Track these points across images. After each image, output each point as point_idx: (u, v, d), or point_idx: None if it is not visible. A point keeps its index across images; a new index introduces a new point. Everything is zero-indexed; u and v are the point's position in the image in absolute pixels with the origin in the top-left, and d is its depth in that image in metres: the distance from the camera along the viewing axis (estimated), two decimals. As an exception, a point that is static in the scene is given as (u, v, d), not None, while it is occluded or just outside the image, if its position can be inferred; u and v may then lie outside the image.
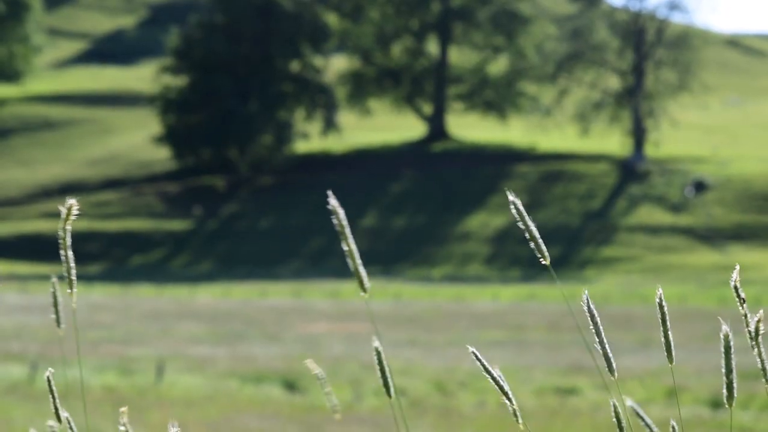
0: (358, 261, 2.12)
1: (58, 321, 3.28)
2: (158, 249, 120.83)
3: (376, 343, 3.35)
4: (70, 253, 2.23)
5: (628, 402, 2.72)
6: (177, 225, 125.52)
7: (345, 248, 2.13)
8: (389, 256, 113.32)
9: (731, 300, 76.83)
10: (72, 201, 2.15)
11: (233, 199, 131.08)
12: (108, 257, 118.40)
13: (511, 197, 2.37)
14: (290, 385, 29.35)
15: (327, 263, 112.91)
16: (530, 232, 2.47)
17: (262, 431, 21.75)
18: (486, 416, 25.57)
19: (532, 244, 2.46)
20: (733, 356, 2.58)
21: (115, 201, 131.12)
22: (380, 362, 3.37)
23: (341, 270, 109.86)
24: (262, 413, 24.34)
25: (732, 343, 2.54)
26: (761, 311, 2.45)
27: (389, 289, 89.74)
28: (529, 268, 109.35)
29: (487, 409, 26.95)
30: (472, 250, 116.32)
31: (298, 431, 21.90)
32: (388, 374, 3.36)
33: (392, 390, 3.21)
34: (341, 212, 2.12)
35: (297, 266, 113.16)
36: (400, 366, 33.46)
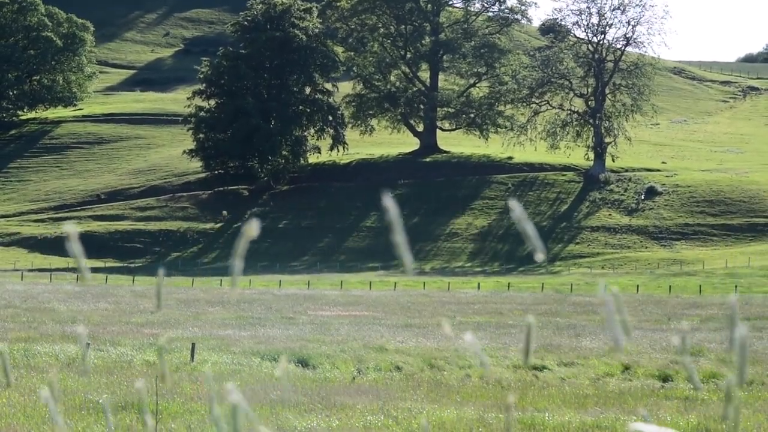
0: (406, 248, 2.07)
1: (159, 304, 3.27)
2: (192, 246, 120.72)
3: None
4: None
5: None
6: (207, 226, 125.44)
7: (394, 240, 2.07)
8: (387, 253, 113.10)
9: (676, 288, 76.58)
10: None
11: (255, 204, 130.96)
12: (149, 253, 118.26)
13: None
14: (303, 362, 29.30)
15: (334, 258, 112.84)
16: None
17: (280, 400, 21.73)
18: (470, 387, 25.58)
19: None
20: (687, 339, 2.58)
21: (155, 205, 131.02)
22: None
23: (347, 264, 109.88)
24: (280, 385, 24.30)
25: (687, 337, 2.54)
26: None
27: (388, 280, 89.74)
28: (507, 263, 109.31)
29: (471, 381, 26.96)
30: (458, 247, 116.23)
31: (309, 400, 21.89)
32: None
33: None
34: (394, 209, 2.07)
35: (309, 261, 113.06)
36: (396, 346, 33.40)
